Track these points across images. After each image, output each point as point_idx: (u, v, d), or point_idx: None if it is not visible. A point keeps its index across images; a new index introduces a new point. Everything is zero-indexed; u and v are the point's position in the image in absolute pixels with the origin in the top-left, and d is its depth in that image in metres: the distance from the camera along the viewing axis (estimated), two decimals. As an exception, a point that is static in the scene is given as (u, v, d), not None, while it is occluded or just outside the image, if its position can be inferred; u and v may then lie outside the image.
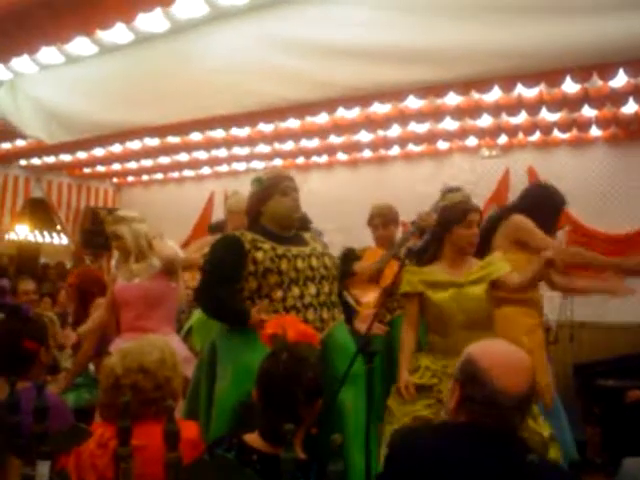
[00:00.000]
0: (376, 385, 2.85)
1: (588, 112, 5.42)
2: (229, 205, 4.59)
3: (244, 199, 4.52)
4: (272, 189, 3.00)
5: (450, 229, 3.18)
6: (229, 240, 2.97)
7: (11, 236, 10.43)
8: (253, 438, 1.99)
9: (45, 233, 12.34)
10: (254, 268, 2.82)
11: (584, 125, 5.77)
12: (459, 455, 1.64)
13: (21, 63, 4.92)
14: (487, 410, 1.68)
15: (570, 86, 4.55)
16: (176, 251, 3.89)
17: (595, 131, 6.01)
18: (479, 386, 1.69)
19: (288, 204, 2.99)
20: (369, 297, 3.86)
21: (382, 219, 4.17)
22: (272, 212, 2.99)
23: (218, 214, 7.96)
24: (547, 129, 5.89)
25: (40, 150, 7.26)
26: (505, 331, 3.47)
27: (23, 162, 8.36)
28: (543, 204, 3.83)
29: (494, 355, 1.75)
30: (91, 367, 4.23)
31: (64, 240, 11.09)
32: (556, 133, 6.02)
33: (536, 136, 6.21)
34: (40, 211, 9.80)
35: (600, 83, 4.55)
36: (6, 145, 7.34)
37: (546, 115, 5.50)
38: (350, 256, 4.13)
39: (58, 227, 10.46)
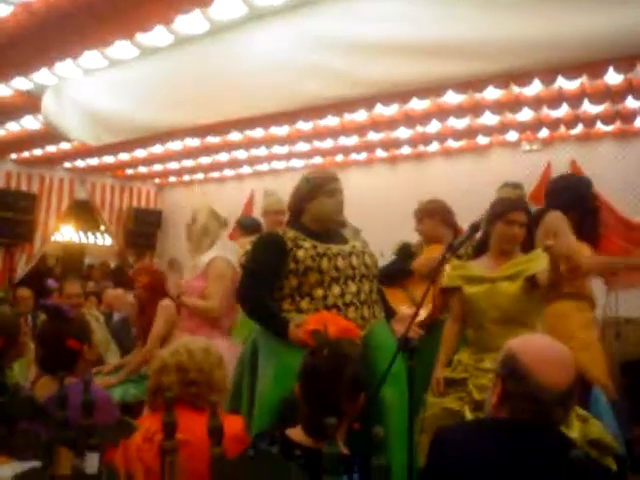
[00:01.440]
0: (418, 382, 2.85)
1: (632, 103, 5.29)
2: (265, 205, 4.66)
3: (279, 199, 4.58)
4: (318, 189, 3.00)
5: (494, 223, 3.17)
6: (271, 239, 2.99)
7: (57, 237, 10.66)
8: (296, 433, 2.01)
9: (89, 234, 12.58)
10: (295, 266, 2.84)
11: (628, 116, 5.63)
12: (500, 451, 1.63)
13: (65, 68, 5.02)
14: (529, 405, 1.66)
15: (613, 77, 4.44)
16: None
17: (640, 122, 5.88)
18: (520, 381, 1.68)
19: (332, 206, 3.00)
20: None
21: (419, 213, 4.15)
22: (315, 212, 3.00)
23: (258, 213, 8.02)
24: (590, 122, 5.77)
25: (84, 152, 7.42)
26: (559, 327, 3.44)
27: (67, 164, 8.56)
28: (568, 198, 3.74)
29: (536, 350, 1.73)
30: None
31: (108, 240, 11.30)
32: (599, 125, 5.89)
33: (578, 129, 6.09)
34: (84, 212, 10.00)
35: (644, 73, 4.45)
36: (51, 148, 7.51)
37: (588, 107, 5.40)
38: (407, 252, 4.10)
39: (102, 228, 10.66)
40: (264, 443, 1.96)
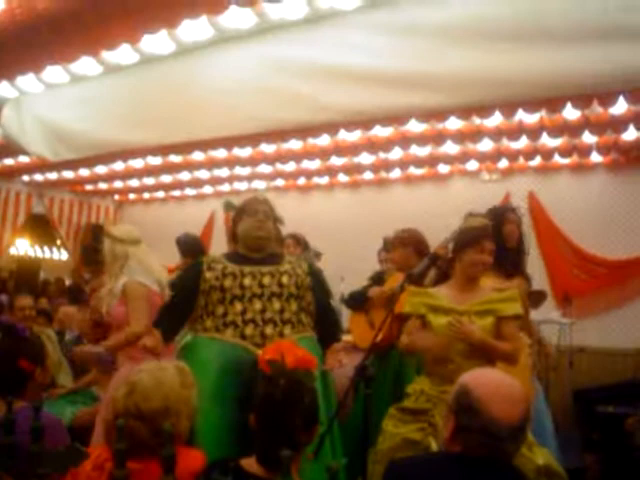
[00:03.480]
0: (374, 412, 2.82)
1: (589, 138, 5.45)
2: None
3: None
4: (241, 212, 3.11)
5: (463, 252, 3.14)
6: (191, 266, 3.20)
7: (12, 251, 10.42)
8: (250, 463, 1.98)
9: (45, 248, 12.33)
10: (203, 286, 2.96)
11: (585, 151, 5.80)
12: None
13: (26, 81, 4.96)
14: (482, 440, 1.67)
15: (571, 112, 4.57)
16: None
17: (596, 157, 6.04)
18: (474, 416, 1.68)
19: (252, 224, 3.03)
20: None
21: (392, 241, 4.19)
22: (240, 234, 3.09)
23: (219, 233, 7.97)
24: (548, 154, 5.91)
25: (43, 166, 7.29)
26: None
27: (26, 178, 8.41)
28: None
29: (488, 385, 1.74)
30: None
31: (64, 255, 11.09)
32: (557, 158, 6.04)
33: (537, 161, 6.24)
34: (41, 226, 9.82)
35: (600, 110, 4.58)
36: (9, 161, 7.38)
37: (547, 140, 5.53)
38: (378, 280, 4.14)
39: (58, 242, 10.47)
40: (216, 473, 1.93)
